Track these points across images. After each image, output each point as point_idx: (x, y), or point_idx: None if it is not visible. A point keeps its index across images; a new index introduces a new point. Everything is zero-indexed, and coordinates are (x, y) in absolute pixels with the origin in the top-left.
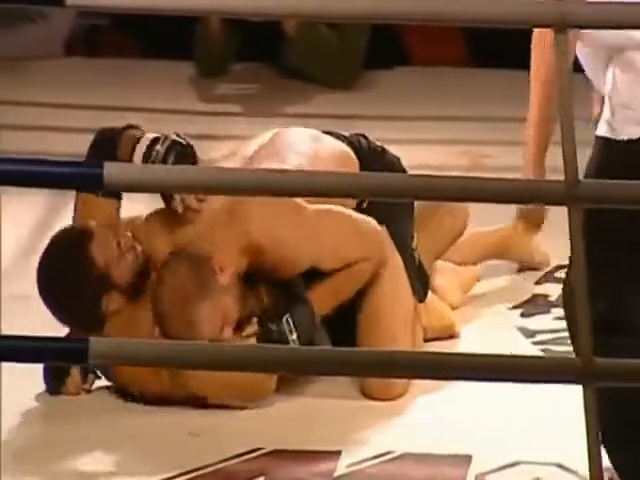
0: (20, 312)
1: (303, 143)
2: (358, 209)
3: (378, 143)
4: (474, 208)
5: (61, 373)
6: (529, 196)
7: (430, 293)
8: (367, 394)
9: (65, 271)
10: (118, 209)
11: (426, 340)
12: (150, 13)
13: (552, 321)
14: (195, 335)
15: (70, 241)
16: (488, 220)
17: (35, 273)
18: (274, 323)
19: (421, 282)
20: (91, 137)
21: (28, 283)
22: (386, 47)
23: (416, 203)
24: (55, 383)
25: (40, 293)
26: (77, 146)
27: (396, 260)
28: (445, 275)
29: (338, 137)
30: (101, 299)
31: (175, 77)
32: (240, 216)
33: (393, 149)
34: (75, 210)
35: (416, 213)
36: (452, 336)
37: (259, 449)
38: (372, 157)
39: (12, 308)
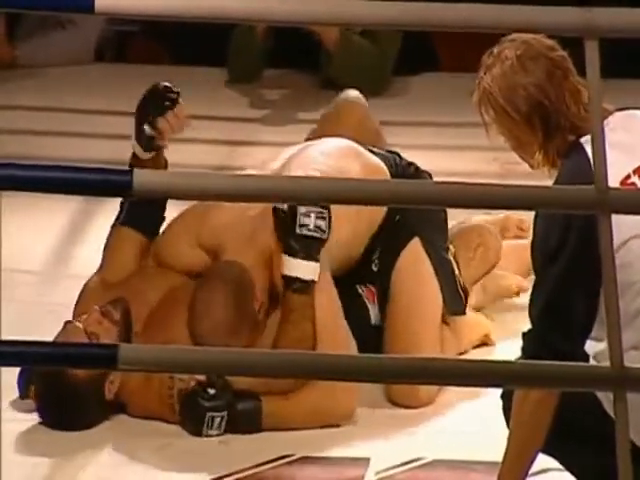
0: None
1: (333, 155)
2: (391, 222)
3: (410, 161)
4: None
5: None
6: (560, 204)
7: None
8: (394, 401)
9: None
10: (143, 244)
11: (464, 352)
12: (179, 20)
13: None
14: None
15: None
16: None
17: (67, 285)
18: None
19: (457, 295)
20: (121, 143)
21: (61, 292)
22: (414, 53)
23: (450, 233)
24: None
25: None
26: (107, 152)
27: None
28: (488, 283)
29: (373, 152)
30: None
31: (206, 83)
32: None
33: (422, 155)
34: (107, 243)
35: (450, 242)
36: (487, 344)
37: (288, 456)
38: (406, 176)
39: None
